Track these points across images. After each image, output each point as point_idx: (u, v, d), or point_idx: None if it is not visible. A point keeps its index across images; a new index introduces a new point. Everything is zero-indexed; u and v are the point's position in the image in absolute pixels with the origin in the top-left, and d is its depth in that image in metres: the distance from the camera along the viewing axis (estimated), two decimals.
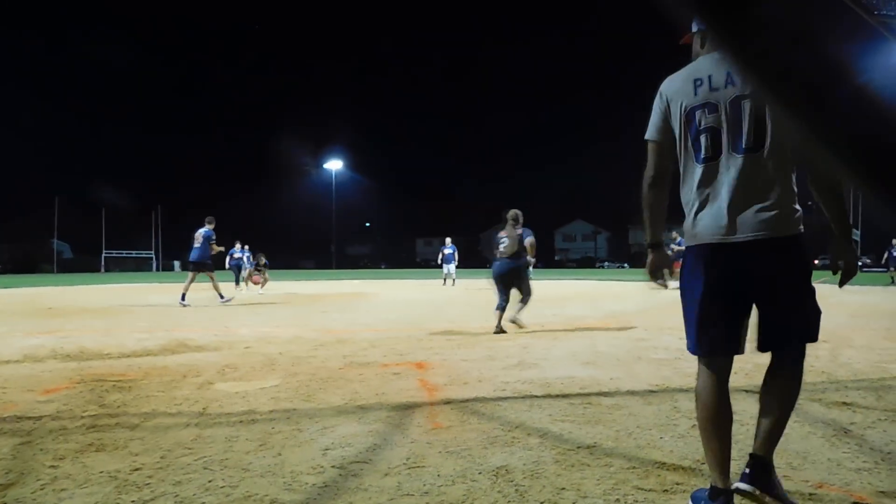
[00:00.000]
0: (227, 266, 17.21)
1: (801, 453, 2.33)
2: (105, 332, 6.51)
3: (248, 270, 16.38)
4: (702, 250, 1.82)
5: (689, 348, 1.88)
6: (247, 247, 17.12)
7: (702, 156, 1.81)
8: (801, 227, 1.78)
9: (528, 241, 6.54)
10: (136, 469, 2.19)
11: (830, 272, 1.86)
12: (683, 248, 1.98)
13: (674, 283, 1.99)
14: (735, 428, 1.90)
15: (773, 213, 1.72)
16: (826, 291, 2.28)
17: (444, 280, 19.49)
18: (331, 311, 9.50)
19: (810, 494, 1.93)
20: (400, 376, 3.94)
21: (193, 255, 10.73)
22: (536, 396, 3.34)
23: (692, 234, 1.86)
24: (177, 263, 60.27)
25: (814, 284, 1.83)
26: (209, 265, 10.81)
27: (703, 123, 1.79)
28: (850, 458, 2.28)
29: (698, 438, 2.02)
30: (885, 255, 20.21)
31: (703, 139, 1.80)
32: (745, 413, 2.80)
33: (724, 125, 1.77)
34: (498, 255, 6.62)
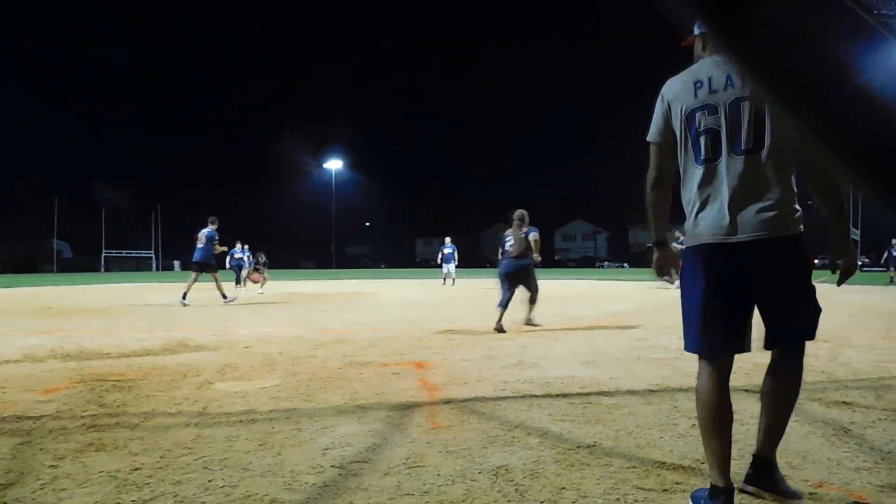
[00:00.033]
0: (227, 266, 17.21)
1: (800, 452, 2.33)
2: (105, 332, 6.51)
3: (247, 270, 16.37)
4: (702, 250, 1.83)
5: (686, 347, 1.90)
6: (247, 246, 17.12)
7: (702, 157, 1.83)
8: (801, 226, 1.80)
9: (531, 236, 6.60)
10: (136, 469, 2.18)
11: (830, 271, 1.87)
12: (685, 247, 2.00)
13: (677, 282, 2.01)
14: (735, 427, 1.90)
15: (773, 213, 1.74)
16: (826, 291, 2.28)
17: (444, 280, 19.50)
18: (330, 311, 9.50)
19: (810, 494, 1.93)
20: (400, 376, 3.94)
21: (197, 256, 10.73)
22: (536, 396, 3.34)
23: (693, 234, 1.87)
24: (177, 263, 60.31)
25: (814, 283, 1.84)
26: (213, 265, 10.83)
27: (702, 125, 1.81)
28: (849, 458, 2.28)
29: (698, 438, 2.02)
30: (885, 255, 20.22)
31: (702, 140, 1.82)
32: (745, 413, 2.80)
33: (724, 127, 1.78)
34: (505, 255, 6.72)
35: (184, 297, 10.36)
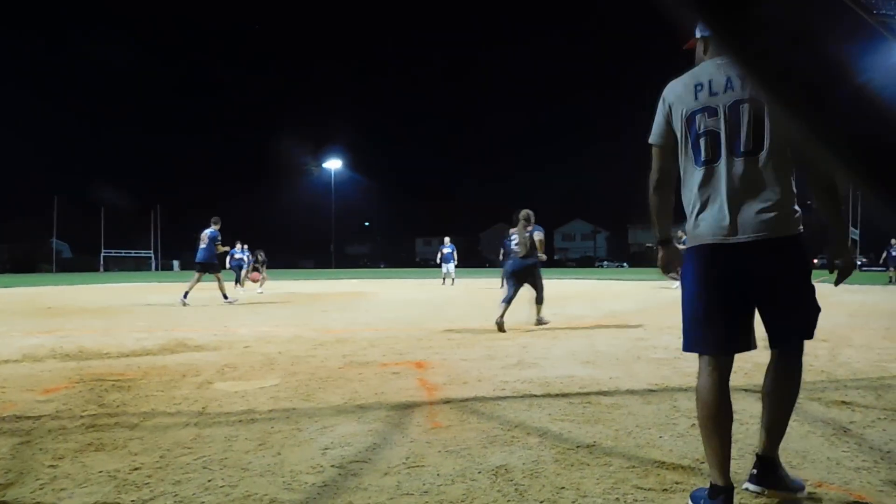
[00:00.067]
0: (227, 266, 17.21)
1: (800, 452, 2.33)
2: (104, 332, 6.51)
3: (246, 269, 16.36)
4: (703, 251, 1.86)
5: (685, 347, 1.91)
6: (245, 246, 17.12)
7: (701, 159, 1.85)
8: (801, 227, 1.82)
9: (536, 236, 6.67)
10: (136, 468, 2.18)
11: (828, 271, 1.89)
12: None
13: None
14: (735, 427, 1.90)
15: (772, 214, 1.76)
16: (825, 291, 2.29)
17: (444, 280, 19.50)
18: (330, 311, 9.50)
19: (810, 493, 1.93)
20: (399, 376, 3.94)
21: (200, 256, 10.77)
22: (536, 396, 3.34)
23: (693, 234, 1.89)
24: (176, 263, 60.28)
25: (814, 283, 1.85)
26: (216, 266, 10.88)
27: (702, 127, 1.84)
28: (849, 457, 2.28)
29: (697, 437, 2.02)
30: (884, 255, 20.25)
31: (702, 142, 1.84)
32: (745, 412, 2.81)
33: (724, 128, 1.80)
34: (511, 254, 6.84)
35: (185, 297, 10.37)
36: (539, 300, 6.87)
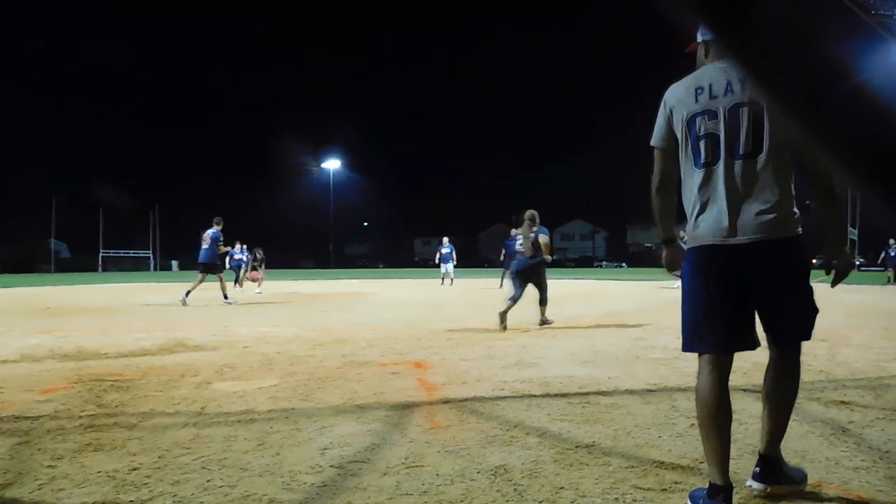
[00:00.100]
0: (227, 266, 17.20)
1: (799, 452, 2.33)
2: (103, 332, 6.50)
3: (245, 269, 16.36)
4: (703, 251, 1.87)
5: (685, 347, 1.93)
6: (244, 246, 17.12)
7: (701, 161, 1.87)
8: (800, 228, 1.83)
9: (540, 237, 6.72)
10: (135, 469, 2.18)
11: (825, 272, 1.90)
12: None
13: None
14: (734, 426, 1.91)
15: (772, 215, 1.78)
16: (824, 291, 2.29)
17: (443, 280, 19.49)
18: (329, 311, 9.50)
19: (809, 493, 1.93)
20: (398, 376, 3.94)
21: (202, 257, 10.79)
22: (535, 396, 3.35)
23: (693, 235, 1.91)
24: (174, 263, 60.18)
25: (812, 283, 1.86)
26: (218, 266, 10.91)
27: (702, 129, 1.86)
28: (848, 457, 2.28)
29: (697, 437, 2.03)
30: (882, 255, 20.28)
31: (702, 145, 1.86)
32: (744, 412, 2.81)
33: (723, 131, 1.82)
34: (517, 254, 6.94)
35: (186, 296, 10.37)
36: (543, 301, 6.89)
